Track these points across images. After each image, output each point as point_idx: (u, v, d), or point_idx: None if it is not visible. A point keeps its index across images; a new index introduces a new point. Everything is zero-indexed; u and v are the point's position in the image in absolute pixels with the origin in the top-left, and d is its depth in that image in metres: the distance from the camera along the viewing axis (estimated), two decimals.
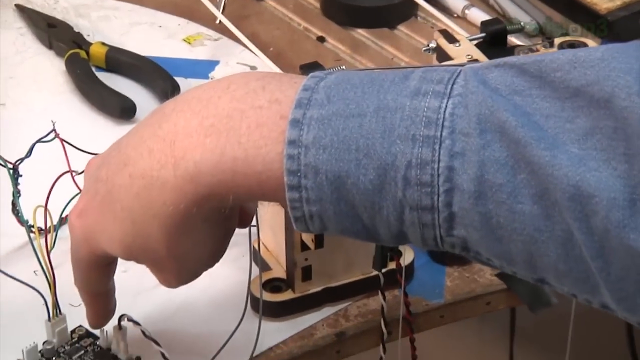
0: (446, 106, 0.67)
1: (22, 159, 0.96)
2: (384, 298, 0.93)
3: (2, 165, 0.95)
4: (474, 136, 0.66)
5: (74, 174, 0.97)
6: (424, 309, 0.98)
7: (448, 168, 0.67)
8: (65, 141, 0.97)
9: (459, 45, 0.99)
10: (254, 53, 1.21)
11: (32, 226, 0.99)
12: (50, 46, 1.25)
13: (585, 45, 0.99)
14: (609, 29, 1.21)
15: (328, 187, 0.70)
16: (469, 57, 0.98)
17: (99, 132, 1.03)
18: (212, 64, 1.24)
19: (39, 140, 0.96)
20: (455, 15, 1.29)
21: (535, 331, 1.87)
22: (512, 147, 0.65)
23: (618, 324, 1.80)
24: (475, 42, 1.00)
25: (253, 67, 1.22)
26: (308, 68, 0.96)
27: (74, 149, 0.99)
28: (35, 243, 0.90)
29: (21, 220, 0.99)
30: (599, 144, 0.64)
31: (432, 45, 1.01)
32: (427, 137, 0.67)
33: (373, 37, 1.27)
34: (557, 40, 0.99)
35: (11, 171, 0.95)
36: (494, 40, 1.00)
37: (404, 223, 0.69)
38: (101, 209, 0.78)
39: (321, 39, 1.27)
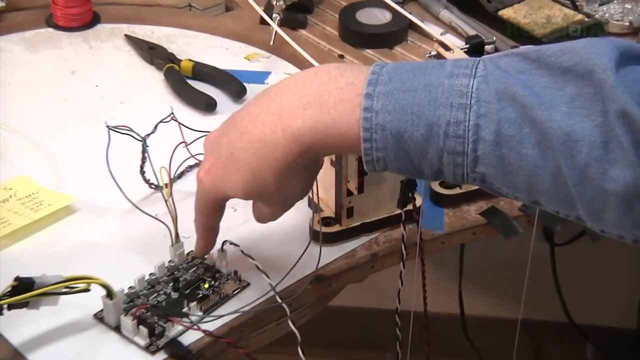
0: (473, 83, 0.71)
1: (149, 134, 0.96)
2: (405, 229, 0.94)
3: (136, 139, 0.95)
4: (494, 103, 0.70)
5: (185, 144, 1.00)
6: (430, 237, 1.00)
7: (475, 125, 0.70)
8: (179, 122, 0.99)
9: (453, 52, 1.01)
10: (304, 58, 1.22)
11: (152, 183, 1.03)
12: (151, 62, 1.25)
13: None
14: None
15: (391, 139, 0.73)
16: None
17: (190, 121, 1.03)
18: (265, 74, 1.24)
19: (161, 121, 0.97)
20: (435, 39, 1.28)
21: (477, 272, 1.87)
22: (520, 109, 0.69)
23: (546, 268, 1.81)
24: (463, 50, 1.02)
25: None
26: None
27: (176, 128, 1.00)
28: (164, 192, 0.93)
29: (145, 179, 1.01)
30: (582, 104, 0.67)
31: (433, 52, 1.02)
32: (460, 104, 0.70)
33: (377, 54, 1.28)
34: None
35: (142, 143, 0.96)
36: (475, 49, 1.02)
37: (442, 164, 0.72)
38: (225, 166, 0.81)
39: (341, 57, 1.27)
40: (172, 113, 0.97)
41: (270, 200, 0.84)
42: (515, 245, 1.93)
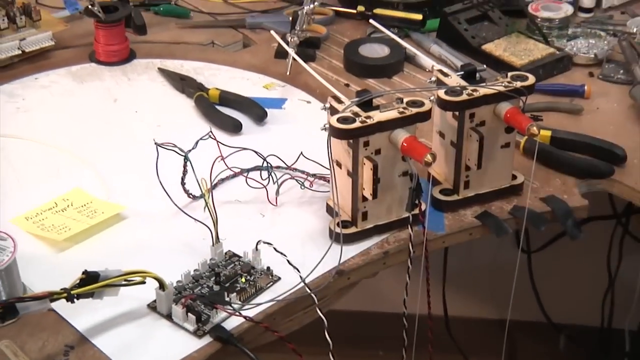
0: None
1: (190, 150, 0.98)
2: (412, 230, 0.96)
3: (179, 154, 0.97)
4: None
5: (222, 158, 1.02)
6: (433, 237, 1.02)
7: None
8: (216, 140, 1.01)
9: (451, 77, 1.04)
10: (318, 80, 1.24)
11: (191, 194, 1.05)
12: (182, 91, 1.27)
13: (525, 77, 1.01)
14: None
15: None
16: (457, 84, 1.01)
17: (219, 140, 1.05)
18: (282, 100, 1.27)
19: (201, 138, 1.00)
20: (427, 70, 1.32)
21: (458, 275, 1.89)
22: None
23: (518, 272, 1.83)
24: (458, 76, 1.04)
25: (308, 102, 1.27)
26: (362, 92, 0.98)
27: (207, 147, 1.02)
28: (206, 198, 0.96)
29: (185, 190, 1.03)
30: None
31: (433, 79, 1.04)
32: None
33: (378, 83, 1.30)
34: (510, 74, 1.03)
35: (183, 157, 0.99)
36: (468, 75, 1.04)
37: None
38: None
39: (347, 85, 1.29)
40: (211, 131, 1.00)
41: None
42: (491, 252, 1.96)
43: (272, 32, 1.21)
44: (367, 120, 0.95)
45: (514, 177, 1.08)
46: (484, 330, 2.04)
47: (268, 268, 0.95)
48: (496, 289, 1.87)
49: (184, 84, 1.28)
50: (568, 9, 1.44)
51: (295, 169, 1.08)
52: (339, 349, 0.90)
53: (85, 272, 0.84)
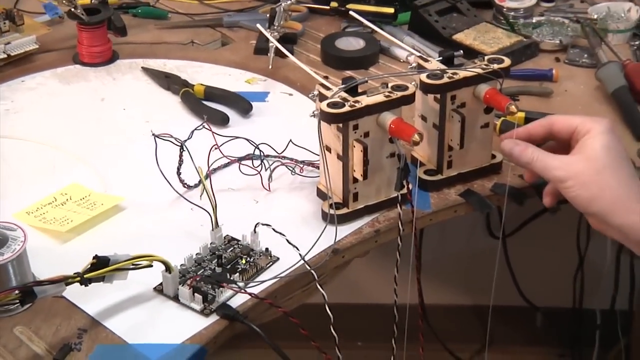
0: None
1: (186, 140, 1.01)
2: (401, 208, 0.99)
3: (175, 144, 1.01)
4: None
5: (217, 147, 1.05)
6: (421, 215, 1.05)
7: None
8: (210, 130, 1.04)
9: (431, 62, 1.08)
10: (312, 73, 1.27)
11: (186, 183, 1.08)
12: (167, 88, 1.30)
13: (501, 60, 1.05)
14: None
15: None
16: (438, 68, 1.05)
17: (208, 133, 1.08)
18: (265, 94, 1.30)
19: (195, 129, 1.03)
20: (402, 60, 1.36)
21: (432, 264, 1.92)
22: None
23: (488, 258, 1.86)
24: (438, 60, 1.08)
25: (290, 94, 1.31)
26: (348, 79, 1.01)
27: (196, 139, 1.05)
28: (205, 184, 0.98)
29: (181, 179, 1.06)
30: None
31: (414, 64, 1.07)
32: None
33: (356, 74, 1.30)
34: (487, 57, 1.07)
35: (179, 147, 1.02)
36: (447, 60, 1.08)
37: None
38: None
39: (326, 77, 1.31)
40: (205, 121, 1.03)
41: None
42: (464, 240, 2.00)
43: (258, 25, 1.24)
44: (356, 105, 0.98)
45: (493, 156, 1.12)
46: (459, 317, 2.08)
47: (266, 249, 0.98)
48: (469, 276, 1.91)
49: (169, 81, 1.31)
50: None
51: (285, 157, 1.11)
52: (319, 340, 0.93)
53: (96, 257, 0.86)
